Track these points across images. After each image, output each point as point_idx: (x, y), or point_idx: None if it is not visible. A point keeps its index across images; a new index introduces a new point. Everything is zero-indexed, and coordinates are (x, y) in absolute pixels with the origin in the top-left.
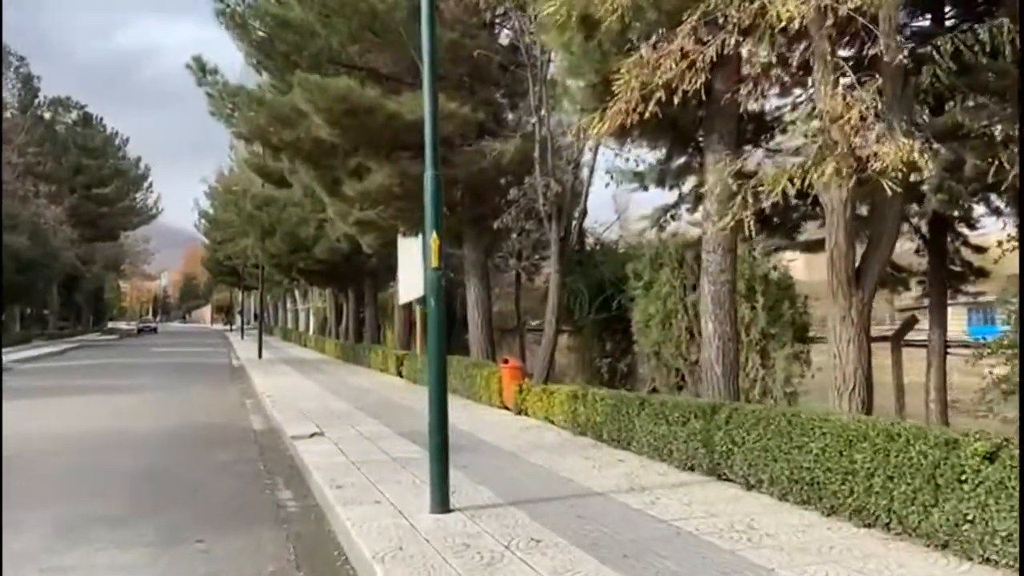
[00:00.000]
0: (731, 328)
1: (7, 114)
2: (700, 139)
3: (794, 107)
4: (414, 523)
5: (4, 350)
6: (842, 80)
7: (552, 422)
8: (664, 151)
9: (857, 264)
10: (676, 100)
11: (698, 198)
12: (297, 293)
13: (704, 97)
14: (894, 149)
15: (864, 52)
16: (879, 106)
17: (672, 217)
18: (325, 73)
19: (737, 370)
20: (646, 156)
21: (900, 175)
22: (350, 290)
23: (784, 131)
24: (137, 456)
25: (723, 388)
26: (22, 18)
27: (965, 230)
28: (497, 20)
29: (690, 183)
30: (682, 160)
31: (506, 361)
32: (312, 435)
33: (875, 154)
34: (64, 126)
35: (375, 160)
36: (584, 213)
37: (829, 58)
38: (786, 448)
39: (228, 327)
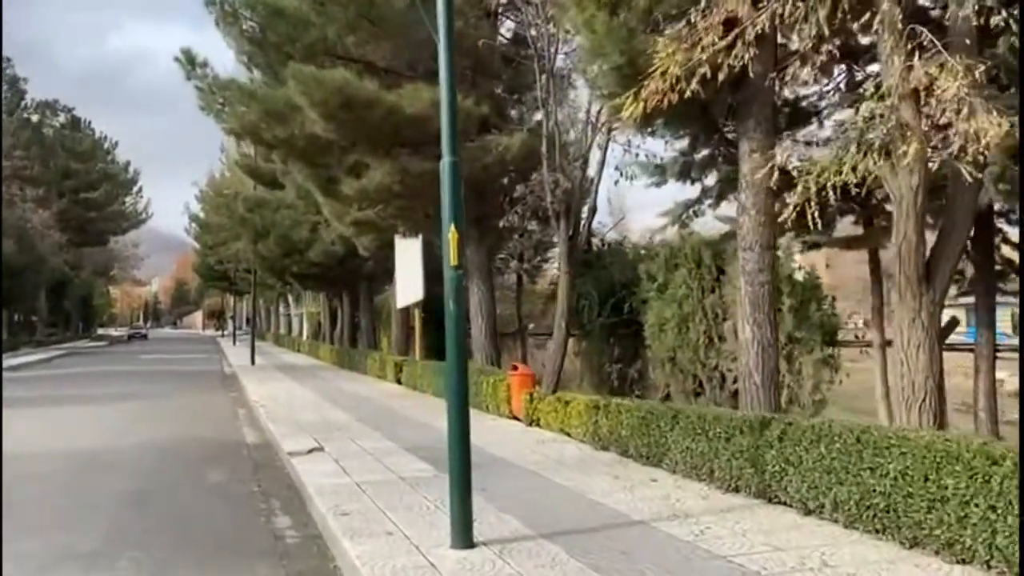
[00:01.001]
0: (771, 333)
1: None
2: (727, 129)
3: (846, 87)
4: (434, 561)
5: None
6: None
7: (569, 434)
8: (687, 142)
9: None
10: (719, 79)
11: (721, 193)
12: (290, 297)
13: (738, 81)
14: (992, 126)
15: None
16: (965, 80)
17: (695, 213)
18: (320, 65)
19: (777, 379)
20: (658, 150)
21: (983, 158)
22: (345, 294)
23: (821, 119)
24: (121, 477)
25: (762, 399)
26: (10, 21)
27: (1005, 226)
28: (500, 10)
29: (712, 177)
30: (706, 152)
31: (515, 368)
32: (311, 451)
33: (970, 133)
34: (52, 129)
35: (373, 157)
36: (594, 211)
37: (900, 26)
38: (854, 469)
39: (220, 333)
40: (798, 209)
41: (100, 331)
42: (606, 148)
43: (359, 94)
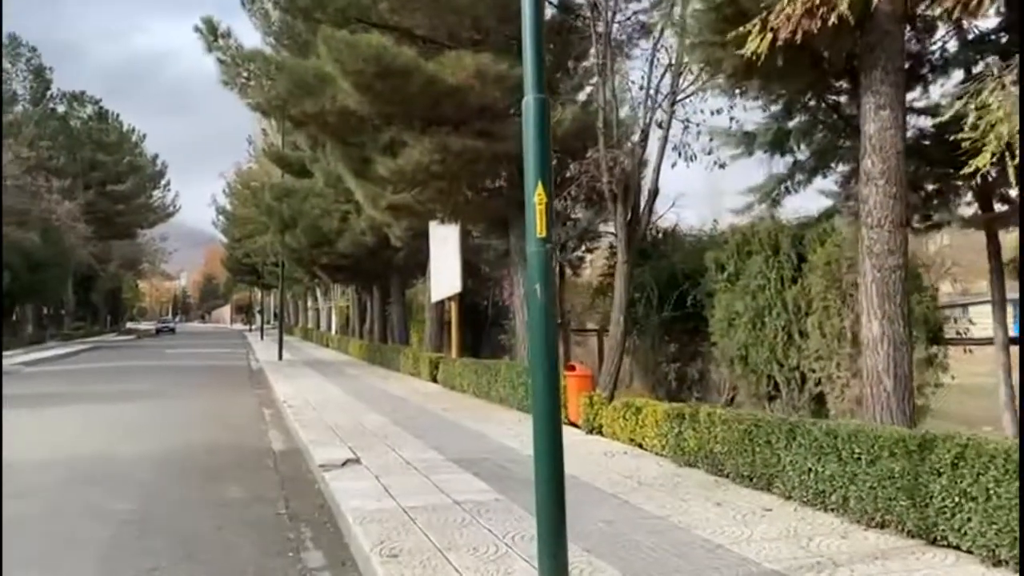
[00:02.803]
0: (904, 328)
1: (18, 107)
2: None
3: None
4: None
5: (12, 352)
6: None
7: (641, 446)
8: (780, 107)
9: None
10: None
11: (815, 168)
12: (318, 291)
13: (860, 23)
14: None
15: None
16: None
17: (787, 189)
18: (353, 32)
19: (911, 385)
20: (724, 123)
21: None
22: (375, 287)
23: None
24: (127, 493)
25: (894, 408)
26: (42, 20)
27: None
28: None
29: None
30: (803, 119)
31: (571, 367)
32: (345, 462)
33: None
34: (79, 121)
35: (411, 134)
36: (654, 193)
37: None
38: None
39: (248, 327)
40: (994, 160)
41: (129, 325)
42: (668, 123)
43: (396, 62)
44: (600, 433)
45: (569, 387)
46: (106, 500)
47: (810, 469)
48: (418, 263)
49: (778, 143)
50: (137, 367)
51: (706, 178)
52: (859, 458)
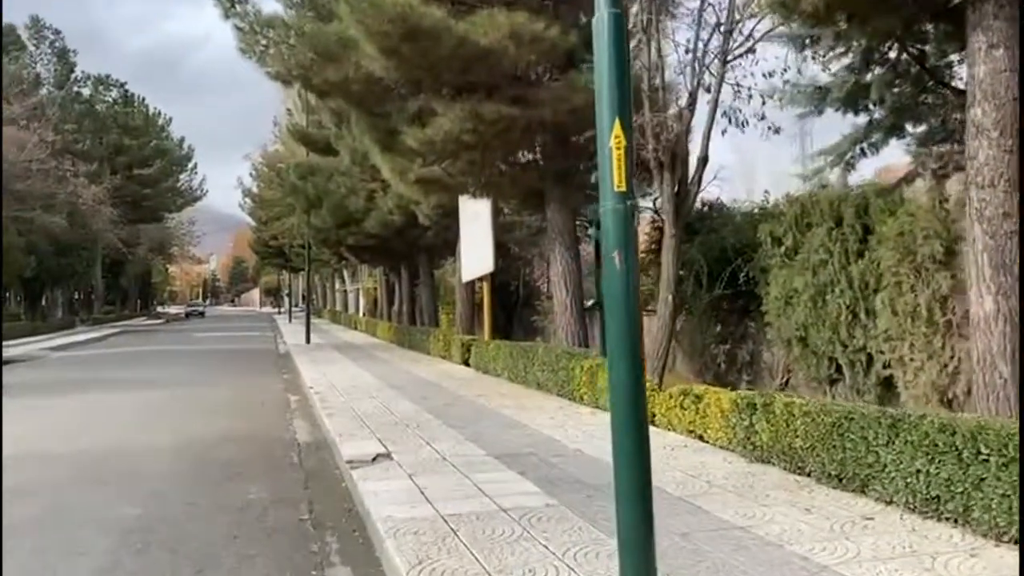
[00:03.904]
0: (1020, 304)
1: (43, 90)
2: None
3: None
4: None
5: (41, 338)
6: None
7: (702, 438)
8: (858, 56)
9: None
10: None
11: (893, 126)
12: (346, 273)
13: None
14: None
15: None
16: None
17: (863, 151)
18: None
19: None
20: (778, 84)
21: None
22: (403, 268)
23: None
24: (135, 494)
25: (1012, 399)
26: (69, 7)
27: None
28: None
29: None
30: (881, 71)
31: None
32: (376, 458)
33: None
34: (104, 105)
35: (440, 101)
36: (704, 160)
37: None
38: None
39: (277, 310)
40: None
41: (160, 309)
42: (719, 84)
43: (423, 22)
44: (652, 423)
45: None
46: (111, 503)
47: (919, 471)
48: (447, 242)
49: (854, 98)
50: (163, 352)
51: (738, 155)
52: (986, 460)
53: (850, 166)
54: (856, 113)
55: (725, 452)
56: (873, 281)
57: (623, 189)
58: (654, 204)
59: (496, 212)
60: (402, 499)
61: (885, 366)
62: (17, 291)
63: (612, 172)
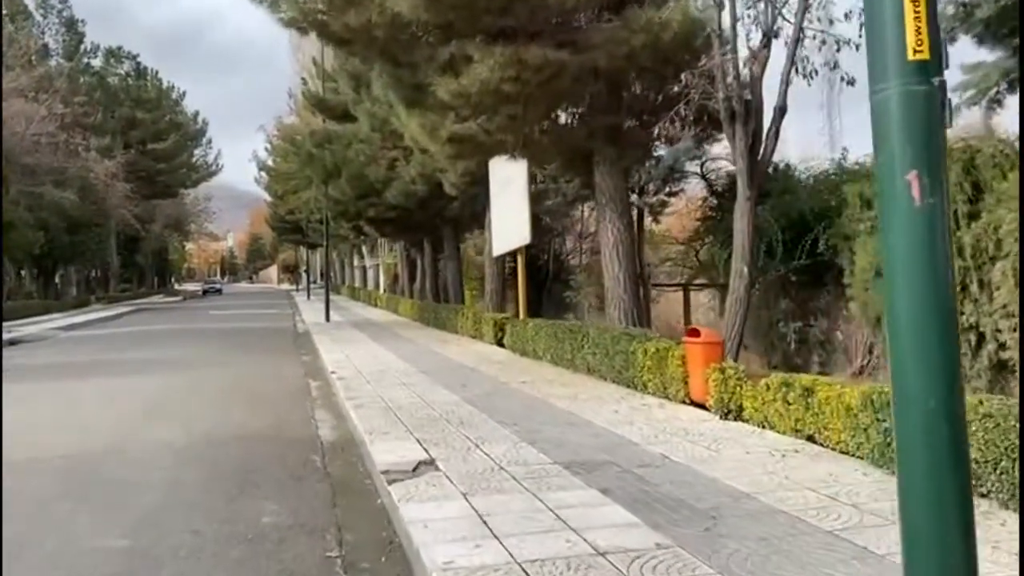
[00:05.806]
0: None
1: (52, 62)
2: None
3: None
4: None
5: (54, 316)
6: None
7: (813, 439)
8: None
9: None
10: None
11: None
12: (365, 249)
13: None
14: None
15: None
16: None
17: (1011, 85)
18: None
19: None
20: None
21: None
22: (426, 242)
23: None
24: (124, 517)
25: None
26: None
27: None
28: None
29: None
30: None
31: (694, 332)
32: (417, 466)
33: None
34: (116, 77)
35: (476, 46)
36: (782, 110)
37: None
38: None
39: (295, 287)
40: None
41: (177, 286)
42: (800, 22)
43: None
44: (739, 418)
45: (691, 357)
46: (93, 530)
47: None
48: (474, 214)
49: (1006, 16)
50: (177, 330)
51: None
52: None
53: (996, 103)
54: (1007, 35)
55: (852, 460)
56: (992, 247)
57: (924, 56)
58: (701, 169)
59: (530, 177)
60: (460, 533)
61: (1001, 347)
62: (30, 269)
63: (897, 31)
